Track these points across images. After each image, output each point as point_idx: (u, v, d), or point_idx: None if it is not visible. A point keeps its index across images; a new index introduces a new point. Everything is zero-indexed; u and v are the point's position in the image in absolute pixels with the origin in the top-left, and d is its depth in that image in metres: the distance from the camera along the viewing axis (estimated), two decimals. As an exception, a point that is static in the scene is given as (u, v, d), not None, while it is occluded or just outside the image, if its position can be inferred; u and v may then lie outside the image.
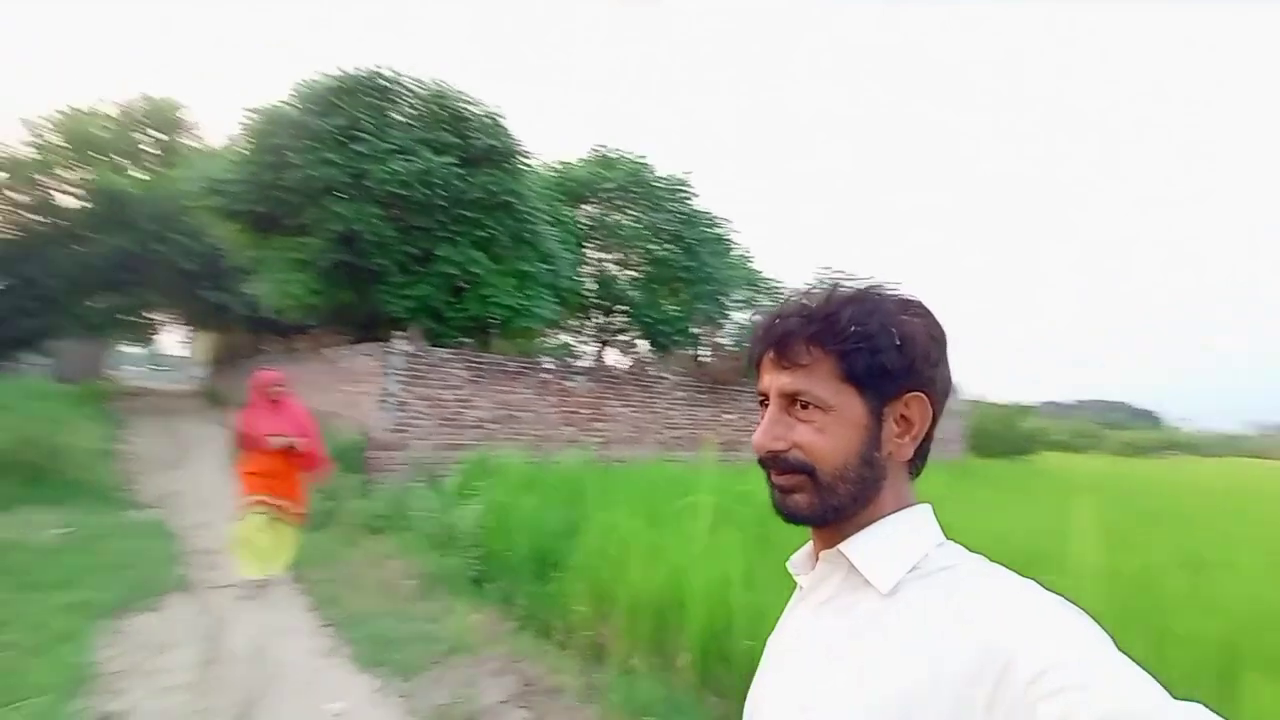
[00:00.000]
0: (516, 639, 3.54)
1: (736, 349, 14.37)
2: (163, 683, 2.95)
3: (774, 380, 0.62)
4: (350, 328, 9.17)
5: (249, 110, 8.44)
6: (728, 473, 6.42)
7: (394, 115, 8.89)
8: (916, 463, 0.63)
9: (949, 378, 0.63)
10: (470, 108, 9.14)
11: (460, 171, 8.34)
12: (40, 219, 12.99)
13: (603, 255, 14.74)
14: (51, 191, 13.34)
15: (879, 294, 0.62)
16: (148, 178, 13.56)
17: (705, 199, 15.14)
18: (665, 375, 10.49)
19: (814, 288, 0.63)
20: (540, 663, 3.26)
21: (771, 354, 0.62)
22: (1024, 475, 15.00)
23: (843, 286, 0.62)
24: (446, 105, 8.92)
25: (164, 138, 15.48)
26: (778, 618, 0.69)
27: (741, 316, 17.69)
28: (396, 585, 4.30)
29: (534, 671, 3.18)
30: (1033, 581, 0.55)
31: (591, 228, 13.90)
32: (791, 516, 0.62)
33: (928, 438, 0.62)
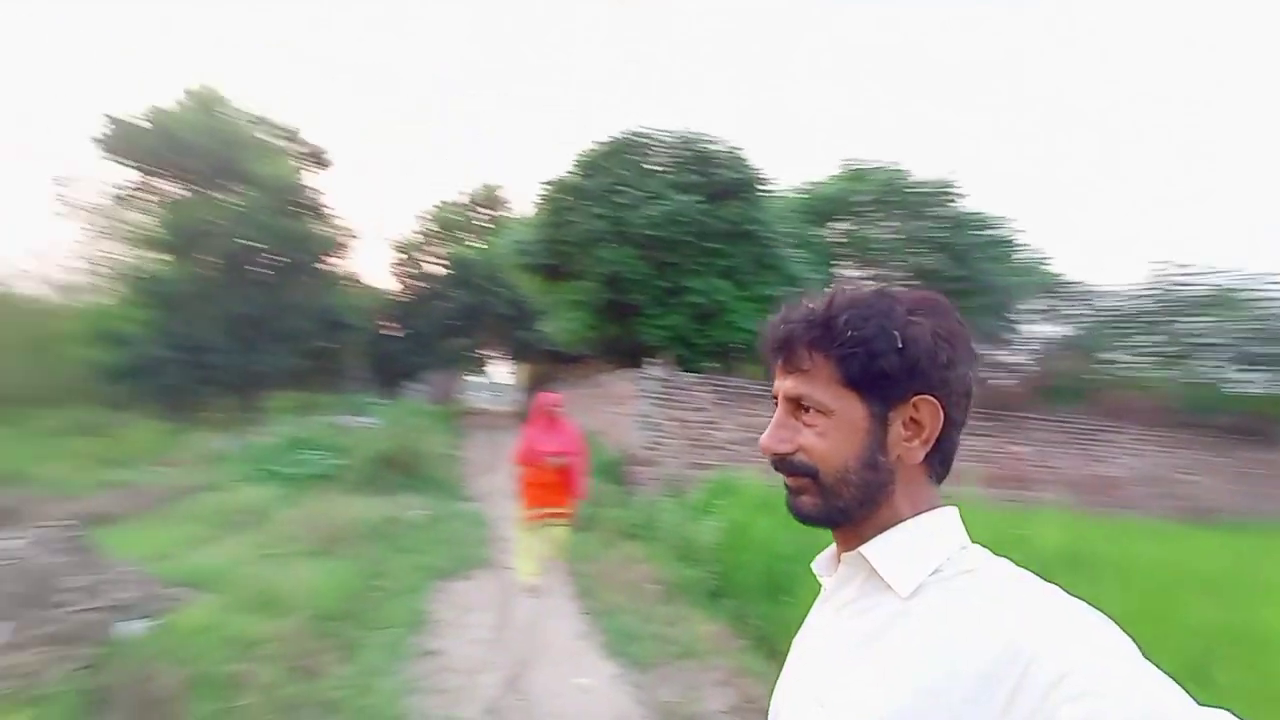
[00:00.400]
0: (744, 655, 3.62)
1: (1030, 367, 12.12)
2: (468, 635, 3.81)
3: (781, 384, 0.63)
4: (617, 356, 10.45)
5: (543, 182, 10.40)
6: (1008, 512, 5.50)
7: (650, 166, 10.01)
8: (936, 465, 0.61)
9: (967, 377, 0.60)
10: (713, 147, 9.78)
11: (705, 207, 8.95)
12: (420, 284, 17.85)
13: (859, 273, 14.01)
14: (426, 263, 18.26)
15: (883, 296, 0.60)
16: (481, 246, 17.57)
17: (984, 200, 13.27)
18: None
19: (824, 292, 0.63)
20: (763, 682, 3.28)
21: (778, 358, 0.63)
22: None
23: (850, 290, 0.62)
24: (692, 148, 9.70)
25: (492, 213, 19.95)
26: None
27: (1036, 329, 14.87)
28: (643, 587, 4.75)
29: (756, 690, 3.22)
30: (1057, 586, 0.53)
31: (845, 245, 13.36)
32: (800, 518, 0.63)
33: (946, 440, 0.60)
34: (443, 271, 17.81)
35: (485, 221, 19.62)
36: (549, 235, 9.62)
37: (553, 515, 4.48)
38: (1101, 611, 0.52)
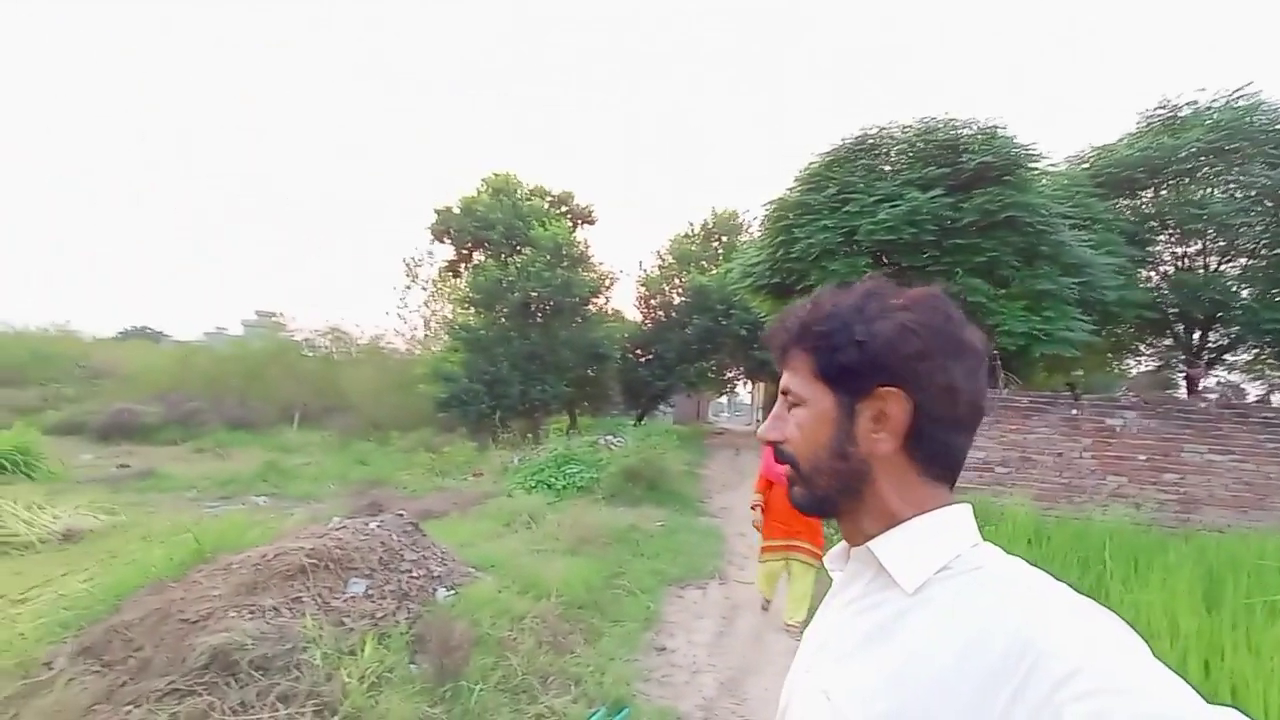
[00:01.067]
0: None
1: None
2: (694, 638, 4.05)
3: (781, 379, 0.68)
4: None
5: (765, 204, 10.51)
6: None
7: (884, 167, 9.39)
8: (925, 462, 0.61)
9: (947, 372, 0.59)
10: (961, 132, 8.75)
11: (949, 200, 8.04)
12: (661, 313, 19.32)
13: (1182, 248, 10.96)
14: (669, 294, 19.70)
15: (867, 295, 0.63)
16: (717, 272, 18.30)
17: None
18: (1313, 409, 6.87)
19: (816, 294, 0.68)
20: None
21: (776, 357, 0.69)
22: None
23: (840, 290, 0.66)
24: (933, 138, 8.82)
25: (726, 239, 20.67)
26: None
27: None
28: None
29: None
30: (1066, 585, 0.53)
31: (1157, 216, 10.61)
32: (795, 506, 0.67)
33: (932, 436, 0.60)
34: (682, 300, 19.01)
35: (719, 248, 20.42)
36: (772, 255, 9.66)
37: (797, 550, 4.19)
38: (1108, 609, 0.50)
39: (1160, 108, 10.76)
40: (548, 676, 3.04)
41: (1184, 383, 11.42)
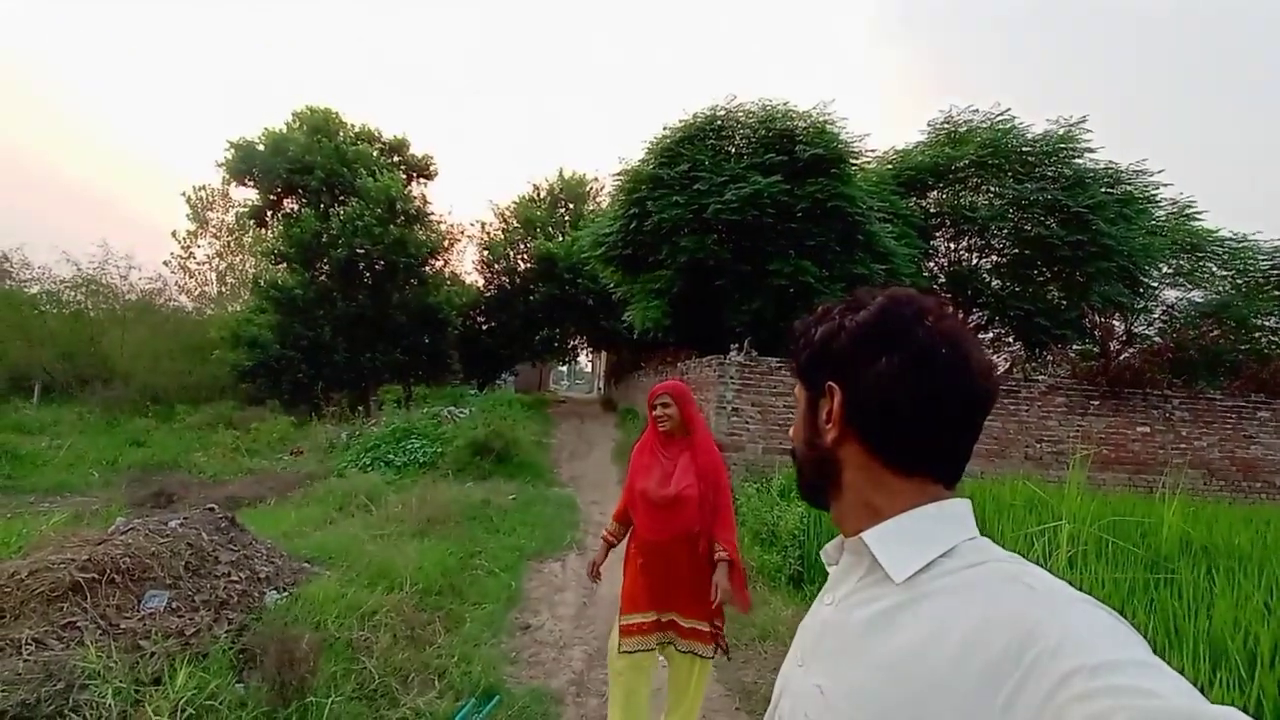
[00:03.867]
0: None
1: (1167, 338, 10.84)
2: (559, 612, 4.01)
3: None
4: (698, 343, 10.43)
5: (617, 174, 10.48)
6: (1113, 498, 5.03)
7: (729, 149, 9.83)
8: (889, 454, 0.61)
9: (884, 374, 0.60)
10: (796, 122, 9.43)
11: (787, 187, 8.68)
12: (506, 279, 18.61)
13: (955, 245, 13.10)
14: (513, 260, 18.99)
15: (835, 304, 0.69)
16: (564, 239, 18.02)
17: (1115, 151, 11.87)
18: (1038, 378, 8.71)
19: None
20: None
21: None
22: None
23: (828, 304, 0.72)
24: (773, 125, 9.40)
25: (574, 206, 20.38)
26: None
27: (1176, 294, 13.28)
28: (727, 572, 4.78)
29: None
30: (1064, 581, 0.53)
31: (940, 215, 12.52)
32: (802, 498, 0.75)
33: (887, 428, 0.61)
34: (528, 266, 18.46)
35: (565, 214, 20.10)
36: (625, 226, 9.72)
37: (677, 631, 2.36)
38: (1112, 608, 0.51)
39: (945, 121, 12.63)
40: (409, 675, 2.80)
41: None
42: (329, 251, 14.62)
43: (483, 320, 19.08)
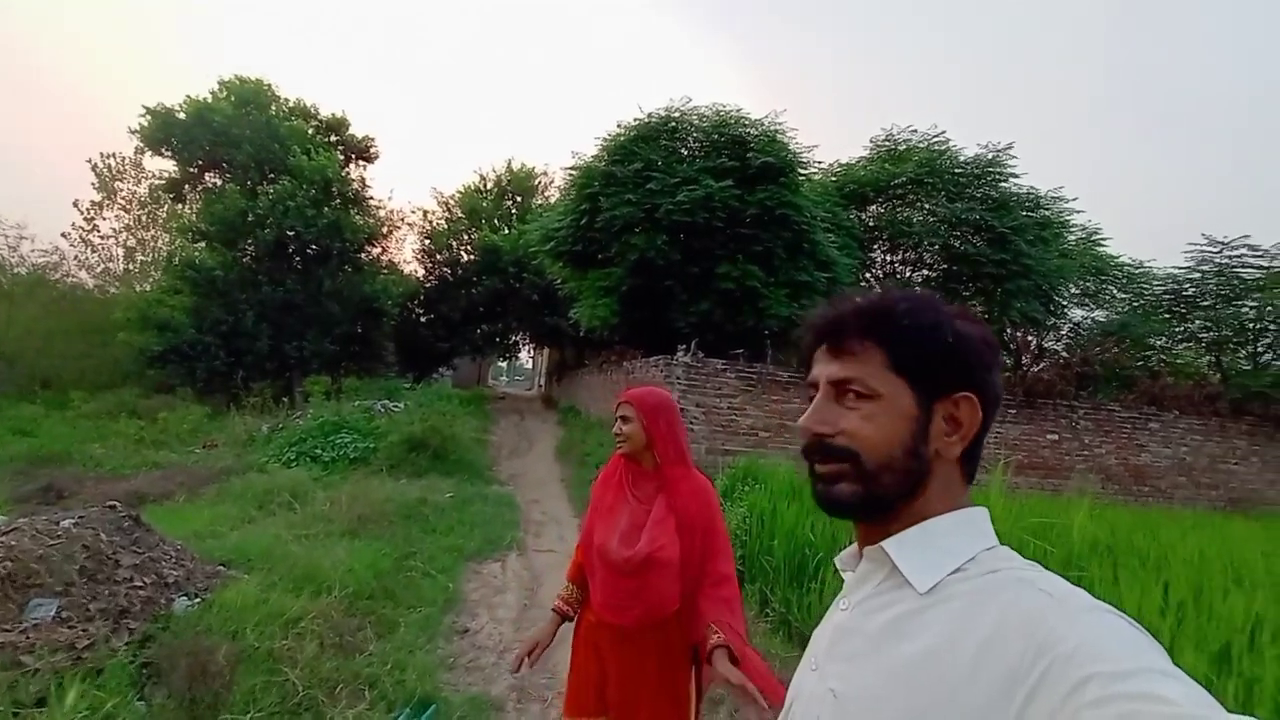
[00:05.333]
0: (768, 639, 3.61)
1: (1074, 353, 11.71)
2: (499, 614, 3.88)
3: (824, 369, 0.64)
4: (645, 343, 10.42)
5: (569, 168, 10.35)
6: (1038, 501, 5.36)
7: (682, 150, 9.88)
8: (970, 466, 0.63)
9: (999, 387, 0.63)
10: (749, 129, 9.58)
11: (737, 192, 8.80)
12: (448, 270, 18.04)
13: (892, 258, 13.69)
14: (455, 250, 18.42)
15: (935, 298, 0.65)
16: (510, 232, 17.64)
17: (1035, 177, 12.75)
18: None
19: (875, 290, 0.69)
20: (789, 667, 3.27)
21: (824, 344, 0.65)
22: None
23: (902, 289, 0.66)
24: (726, 131, 9.52)
25: (521, 199, 19.98)
26: None
27: (1083, 314, 14.37)
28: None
29: (781, 674, 3.20)
30: (1083, 589, 0.53)
31: (877, 229, 13.04)
32: (834, 507, 0.62)
33: (977, 443, 0.62)
34: (471, 258, 17.96)
35: (513, 207, 19.68)
36: (576, 221, 9.59)
37: None
38: (1122, 610, 0.51)
39: (886, 139, 13.19)
40: (336, 685, 2.61)
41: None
42: (255, 232, 13.71)
43: (421, 311, 18.43)
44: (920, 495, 0.60)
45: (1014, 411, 8.74)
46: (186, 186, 15.19)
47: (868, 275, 13.54)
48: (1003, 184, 11.88)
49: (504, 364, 37.72)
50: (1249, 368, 11.43)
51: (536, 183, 20.04)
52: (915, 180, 12.15)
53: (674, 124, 9.74)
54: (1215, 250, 11.54)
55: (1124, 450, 9.12)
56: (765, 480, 5.76)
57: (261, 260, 14.26)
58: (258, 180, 14.36)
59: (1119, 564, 3.61)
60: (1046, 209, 12.12)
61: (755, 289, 8.77)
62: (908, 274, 13.68)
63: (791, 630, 3.71)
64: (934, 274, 13.40)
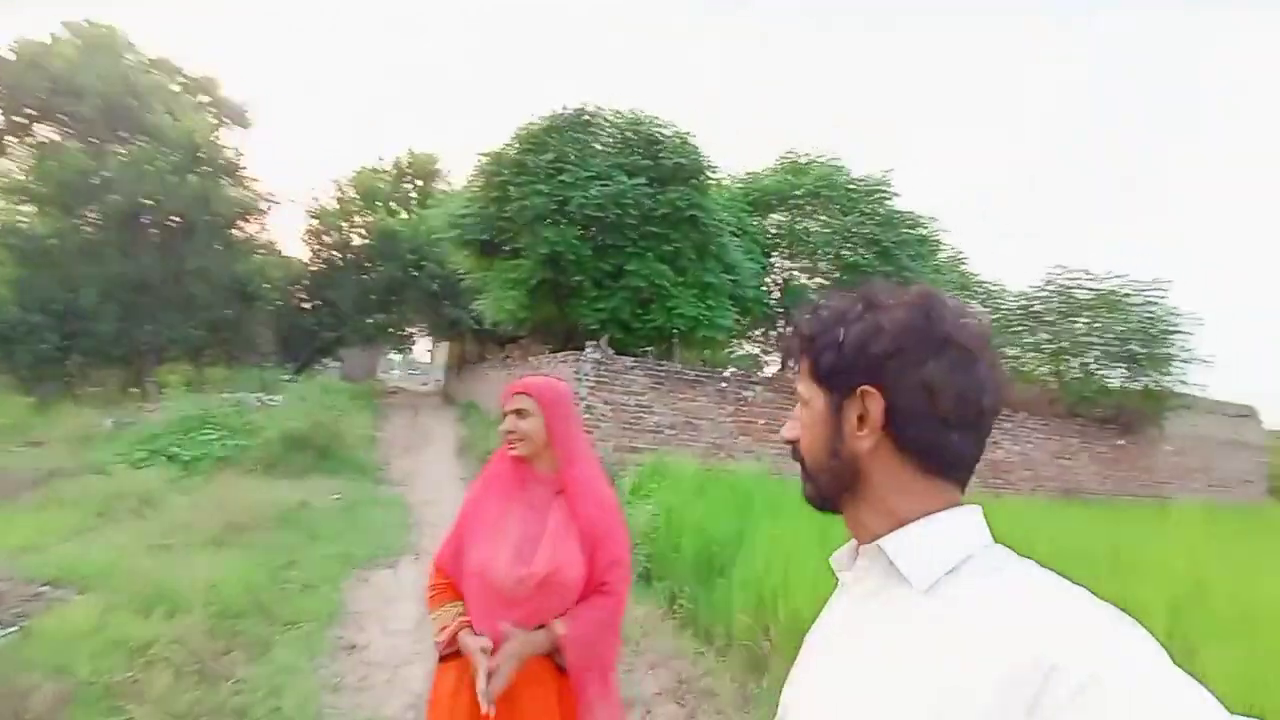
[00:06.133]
0: (677, 638, 3.61)
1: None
2: (393, 626, 3.59)
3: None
4: (553, 338, 10.20)
5: (481, 154, 9.91)
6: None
7: (595, 145, 9.76)
8: (920, 460, 0.60)
9: (922, 371, 0.59)
10: (662, 130, 9.65)
11: (650, 191, 8.83)
12: (338, 254, 16.73)
13: (790, 264, 14.38)
14: (346, 233, 17.12)
15: (858, 298, 0.64)
16: (409, 217, 16.66)
17: (911, 199, 13.95)
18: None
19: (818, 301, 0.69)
20: (698, 664, 3.29)
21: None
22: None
23: (839, 296, 0.67)
24: (640, 130, 9.54)
25: (422, 184, 18.93)
26: None
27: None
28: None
29: (691, 672, 3.22)
30: (1085, 590, 0.53)
31: (778, 236, 13.65)
32: (807, 502, 0.68)
33: (919, 433, 0.59)
34: (365, 242, 16.74)
35: (414, 192, 18.59)
36: (485, 210, 9.20)
37: None
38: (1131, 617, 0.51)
39: (789, 152, 13.87)
40: (196, 718, 2.27)
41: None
42: (102, 197, 11.91)
43: (305, 297, 16.93)
44: (860, 491, 0.62)
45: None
46: (10, 138, 12.91)
47: (768, 281, 14.15)
48: (888, 202, 12.86)
49: (398, 357, 35.72)
50: (1080, 376, 13.18)
51: (439, 167, 19.10)
52: (813, 193, 12.84)
53: (587, 118, 9.61)
54: (1059, 273, 13.19)
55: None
56: (673, 478, 5.80)
57: (110, 230, 12.42)
58: (107, 138, 12.50)
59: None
60: (924, 228, 13.27)
61: (665, 288, 8.85)
62: (804, 281, 14.45)
63: (699, 627, 3.73)
64: (827, 282, 14.24)
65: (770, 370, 15.59)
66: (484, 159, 9.76)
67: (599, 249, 9.00)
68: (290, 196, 17.13)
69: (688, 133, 9.67)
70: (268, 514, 4.75)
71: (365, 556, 4.57)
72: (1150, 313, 11.67)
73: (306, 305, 16.79)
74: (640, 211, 8.78)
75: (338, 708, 2.68)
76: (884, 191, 12.84)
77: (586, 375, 7.45)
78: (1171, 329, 11.47)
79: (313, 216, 17.24)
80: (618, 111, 9.72)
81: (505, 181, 8.95)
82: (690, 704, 2.89)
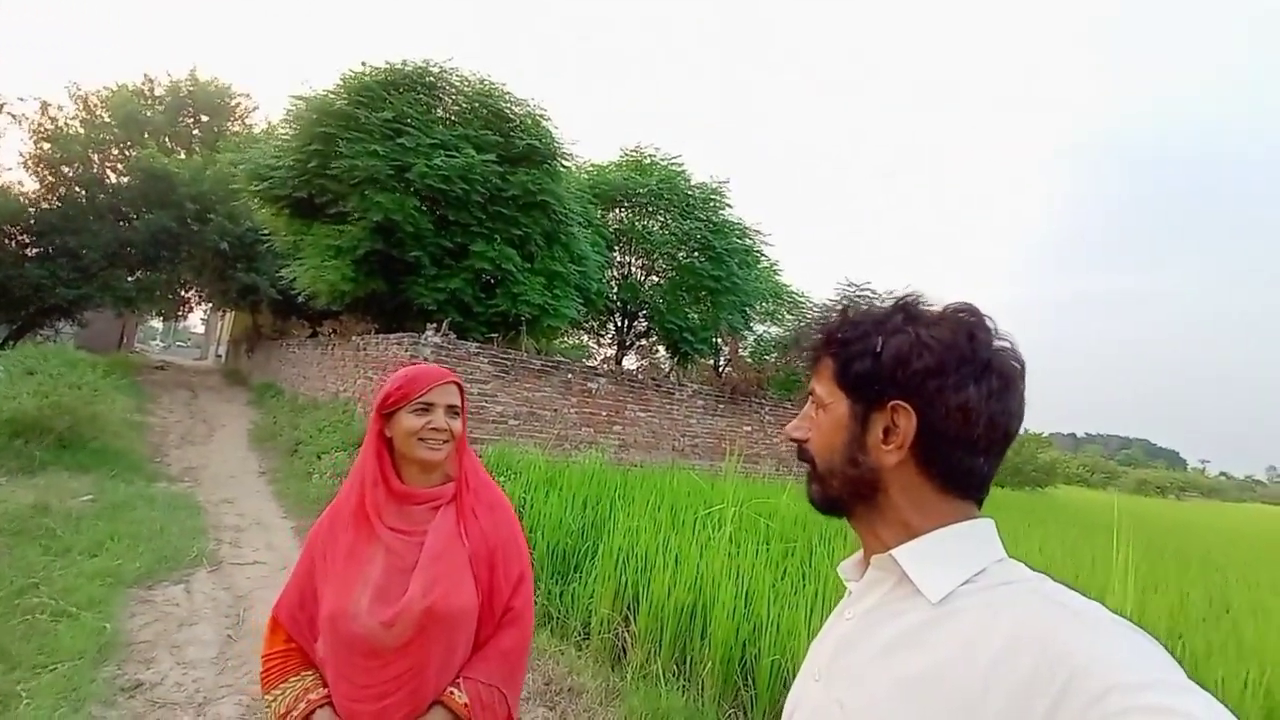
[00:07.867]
0: (537, 637, 3.51)
1: (757, 361, 14.31)
2: (190, 655, 2.96)
3: (811, 382, 0.69)
4: (379, 316, 9.26)
5: (296, 98, 8.58)
6: (747, 484, 6.37)
7: (439, 111, 9.01)
8: (940, 479, 0.60)
9: (961, 393, 0.58)
10: (514, 107, 9.23)
11: (500, 170, 8.41)
12: (82, 190, 13.31)
13: (630, 260, 14.77)
14: (99, 167, 13.68)
15: (895, 308, 0.63)
16: (191, 158, 13.85)
17: (739, 209, 15.13)
18: (685, 383, 10.45)
19: (851, 302, 0.69)
20: (559, 662, 3.23)
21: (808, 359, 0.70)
22: (1042, 508, 14.74)
23: (868, 300, 0.67)
24: (491, 104, 9.01)
25: (209, 121, 15.83)
26: (800, 632, 0.71)
27: (764, 329, 17.59)
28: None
29: (554, 670, 3.15)
30: (1097, 603, 0.53)
31: (621, 232, 13.93)
32: (810, 502, 0.68)
33: (945, 454, 0.59)
34: (125, 181, 13.55)
35: (196, 129, 15.48)
36: (303, 164, 8.01)
37: None
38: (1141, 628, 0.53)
39: (635, 149, 14.20)
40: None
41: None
42: None
43: (29, 241, 13.22)
44: (882, 502, 0.61)
45: (722, 406, 10.26)
46: None
47: (609, 274, 14.39)
48: (722, 211, 13.83)
49: (159, 325, 29.81)
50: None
51: (235, 104, 16.16)
52: (656, 193, 13.34)
53: (431, 79, 8.85)
54: (850, 288, 15.35)
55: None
56: (521, 470, 5.62)
57: None
58: None
59: (820, 535, 4.44)
60: (750, 238, 14.53)
61: (511, 273, 8.53)
62: (641, 278, 14.96)
63: (555, 624, 3.67)
64: (662, 280, 14.93)
65: (598, 360, 15.93)
66: (300, 103, 8.49)
67: (441, 224, 8.37)
68: (5, 102, 13.05)
69: (542, 113, 9.39)
70: (-13, 524, 3.62)
71: (143, 571, 3.72)
72: None
73: (31, 252, 13.14)
74: (489, 190, 8.34)
75: (125, 765, 2.14)
76: (718, 200, 13.76)
77: (425, 360, 6.90)
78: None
79: (45, 139, 13.48)
80: (464, 79, 9.07)
81: (331, 134, 7.88)
82: (561, 705, 2.83)
